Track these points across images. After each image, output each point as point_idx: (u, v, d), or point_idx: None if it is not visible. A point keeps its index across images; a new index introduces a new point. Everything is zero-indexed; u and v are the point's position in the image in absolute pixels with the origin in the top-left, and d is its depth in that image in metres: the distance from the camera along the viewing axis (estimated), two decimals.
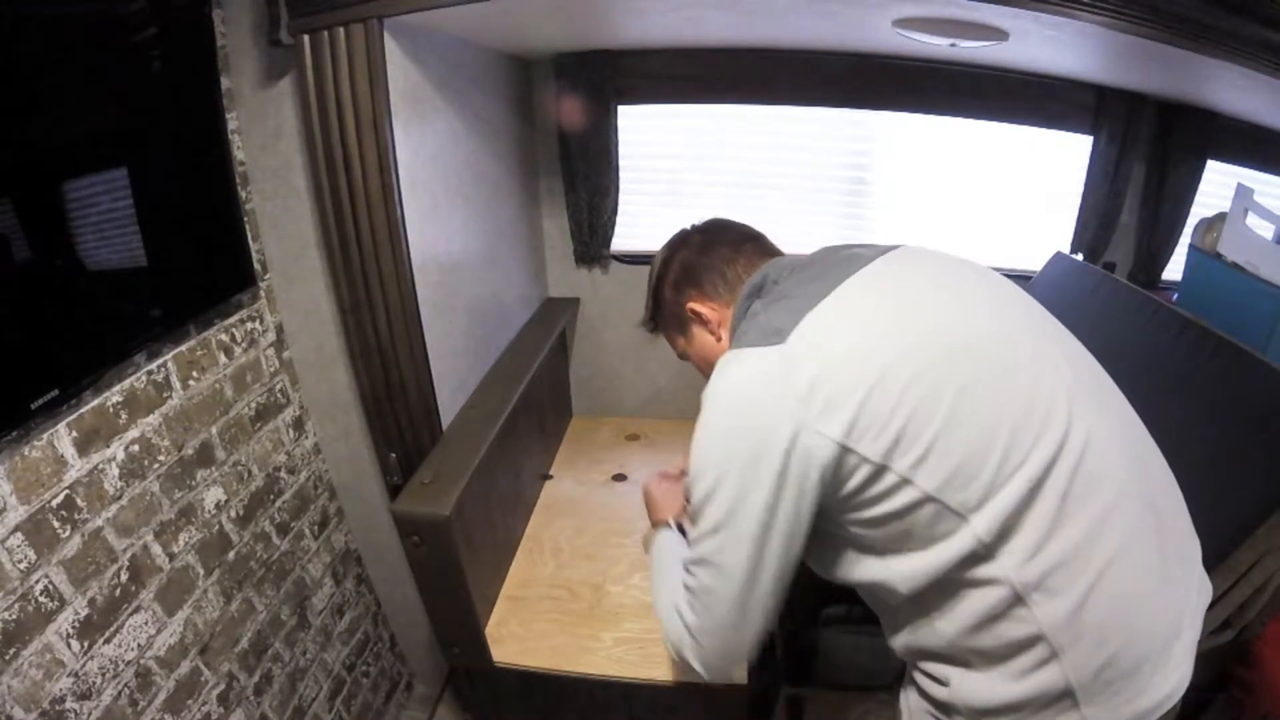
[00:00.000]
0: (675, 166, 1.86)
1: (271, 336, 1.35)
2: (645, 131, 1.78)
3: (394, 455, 1.31)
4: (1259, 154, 1.62)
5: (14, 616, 0.86)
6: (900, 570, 0.68)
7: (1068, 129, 1.67)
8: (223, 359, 1.23)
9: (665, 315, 0.97)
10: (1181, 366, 1.08)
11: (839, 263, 0.78)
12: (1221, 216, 1.43)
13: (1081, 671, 0.64)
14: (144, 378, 1.06)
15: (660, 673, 1.22)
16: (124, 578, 1.03)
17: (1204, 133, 1.61)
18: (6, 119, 0.78)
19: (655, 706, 1.30)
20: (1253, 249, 1.33)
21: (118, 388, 1.01)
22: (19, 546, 0.86)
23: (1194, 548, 0.77)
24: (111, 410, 1.00)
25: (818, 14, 1.22)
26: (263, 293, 1.31)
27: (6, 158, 0.79)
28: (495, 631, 1.32)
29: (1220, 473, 0.95)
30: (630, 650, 1.27)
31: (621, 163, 1.74)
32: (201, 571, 1.19)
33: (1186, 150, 1.63)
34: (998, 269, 0.84)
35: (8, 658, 0.85)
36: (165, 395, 1.10)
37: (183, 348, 1.13)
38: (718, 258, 0.90)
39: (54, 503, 0.91)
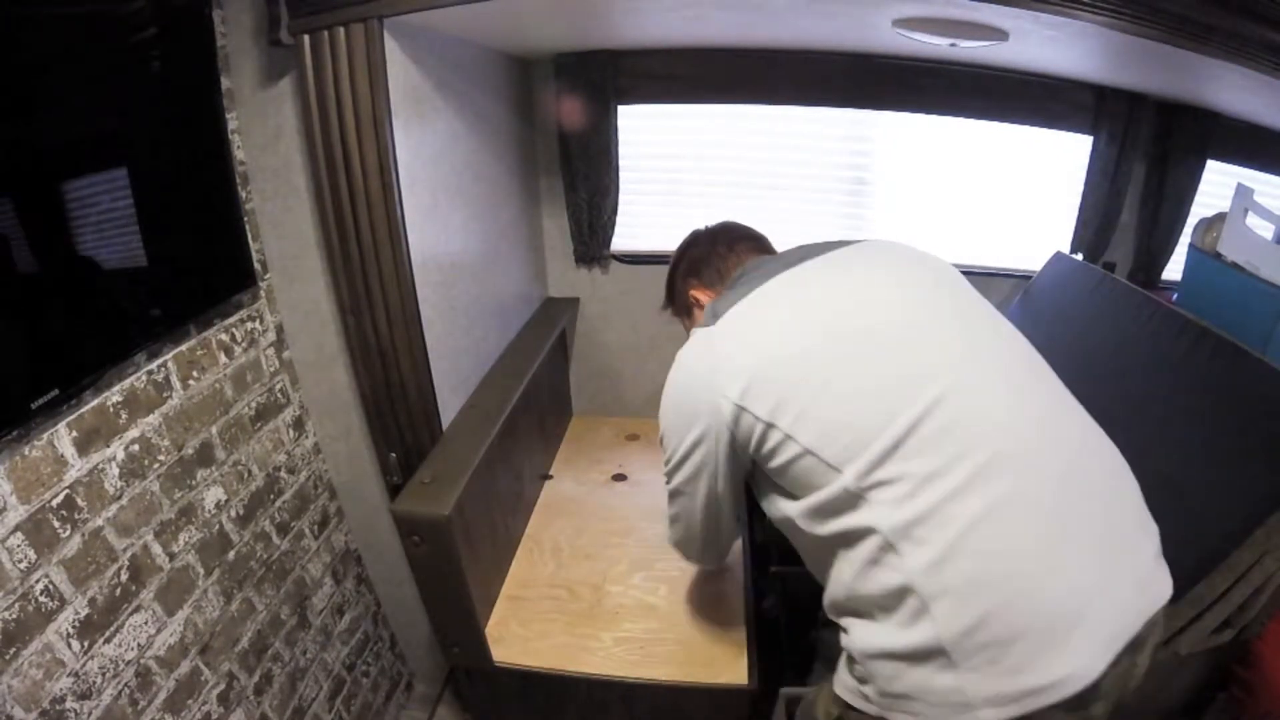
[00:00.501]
0: (675, 166, 1.86)
1: (271, 336, 1.35)
2: (645, 131, 1.78)
3: (394, 455, 1.31)
4: (1259, 154, 1.62)
5: (14, 616, 0.86)
6: (797, 509, 0.82)
7: (1068, 129, 1.67)
8: (223, 359, 1.23)
9: (677, 301, 1.16)
10: (1181, 366, 1.08)
11: (788, 259, 0.93)
12: (1221, 216, 1.43)
13: (951, 628, 0.68)
14: (144, 377, 1.06)
15: (660, 673, 1.22)
16: (124, 577, 1.03)
17: (1204, 133, 1.61)
18: (7, 119, 0.78)
19: (655, 706, 1.30)
20: (1252, 249, 1.33)
21: (118, 387, 1.01)
22: (19, 546, 0.87)
23: (1140, 541, 0.76)
24: (112, 410, 1.00)
25: (818, 14, 1.22)
26: (263, 292, 1.31)
27: (7, 158, 0.79)
28: (495, 631, 1.32)
29: (1220, 473, 0.94)
30: (630, 650, 1.27)
31: (622, 162, 1.74)
32: (201, 571, 1.19)
33: (1186, 150, 1.63)
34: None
35: (8, 657, 0.85)
36: (165, 395, 1.10)
37: (183, 347, 1.14)
38: (716, 253, 1.08)
39: (54, 502, 0.91)
